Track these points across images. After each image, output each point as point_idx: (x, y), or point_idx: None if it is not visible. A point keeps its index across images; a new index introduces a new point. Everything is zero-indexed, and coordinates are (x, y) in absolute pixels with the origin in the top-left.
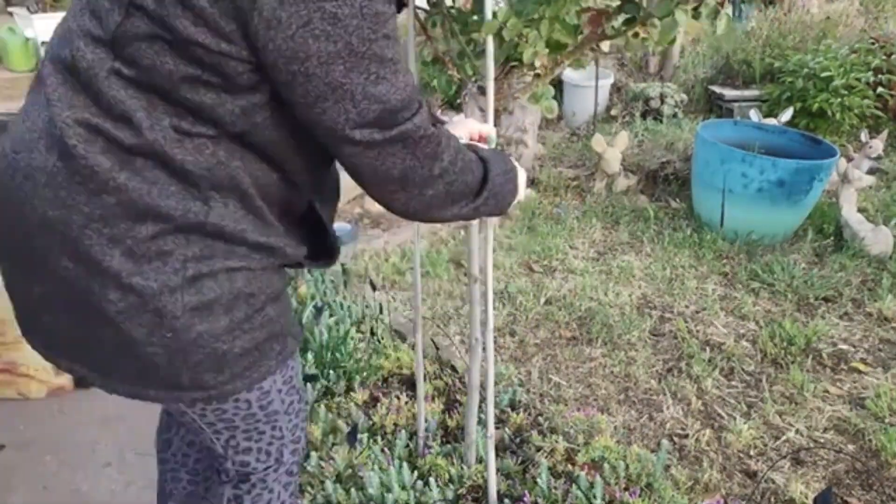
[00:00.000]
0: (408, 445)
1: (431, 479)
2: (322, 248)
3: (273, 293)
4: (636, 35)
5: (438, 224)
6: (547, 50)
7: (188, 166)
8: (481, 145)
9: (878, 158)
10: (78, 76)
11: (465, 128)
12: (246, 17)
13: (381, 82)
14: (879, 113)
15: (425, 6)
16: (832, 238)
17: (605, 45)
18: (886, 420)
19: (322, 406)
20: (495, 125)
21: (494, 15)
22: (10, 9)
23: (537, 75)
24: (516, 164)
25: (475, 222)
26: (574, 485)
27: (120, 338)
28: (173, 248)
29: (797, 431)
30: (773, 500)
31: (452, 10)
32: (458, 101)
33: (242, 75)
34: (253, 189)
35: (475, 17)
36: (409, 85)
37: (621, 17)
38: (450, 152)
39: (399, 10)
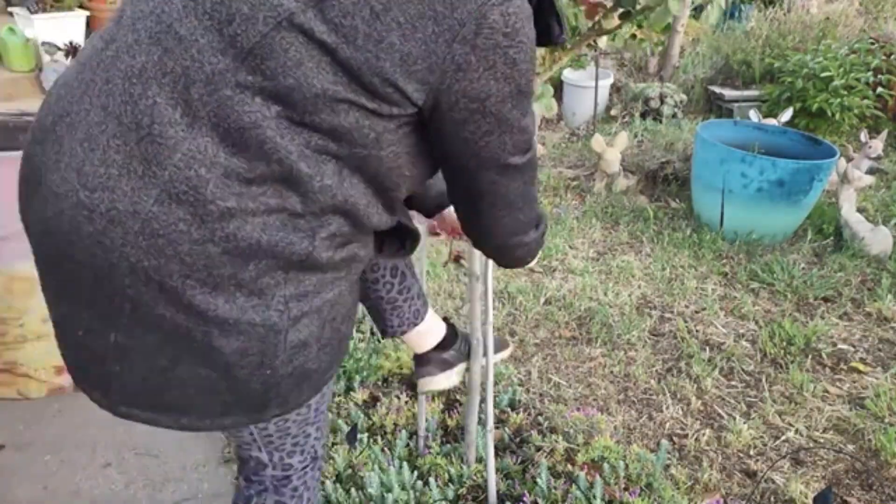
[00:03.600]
0: (408, 445)
1: (431, 479)
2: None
3: (348, 311)
4: (633, 36)
5: None
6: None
7: (313, 186)
8: None
9: (878, 158)
10: (188, 92)
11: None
12: (437, 61)
13: (527, 115)
14: (879, 113)
15: None
16: (832, 238)
17: (602, 42)
18: (886, 420)
19: None
20: None
21: None
22: (10, 9)
23: (536, 71)
24: None
25: None
26: (574, 485)
27: (216, 378)
28: (273, 286)
29: (797, 431)
30: (772, 499)
31: None
32: None
33: (398, 107)
34: (361, 213)
35: None
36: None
37: (618, 11)
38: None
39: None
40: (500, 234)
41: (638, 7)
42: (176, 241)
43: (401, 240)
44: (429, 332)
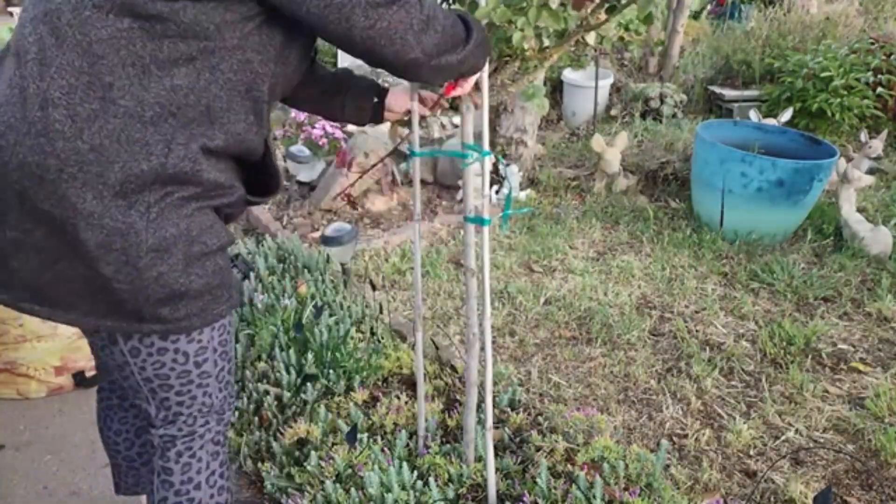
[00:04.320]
0: (407, 445)
1: (431, 479)
2: (260, 184)
3: (221, 244)
4: (621, 39)
5: (438, 225)
6: (535, 34)
7: (161, 100)
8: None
9: (878, 158)
10: (58, 31)
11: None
12: None
13: None
14: (879, 113)
15: None
16: (832, 238)
17: (591, 38)
18: (886, 420)
19: (322, 406)
20: (494, 125)
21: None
22: (10, 9)
23: (527, 68)
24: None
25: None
26: (574, 485)
27: (91, 274)
28: (137, 193)
29: (797, 431)
30: (772, 499)
31: None
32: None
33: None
34: (221, 116)
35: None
36: None
37: (604, 6)
38: (430, 4)
39: None
40: (422, 58)
41: (623, 2)
42: (53, 139)
43: (266, 181)
44: None
